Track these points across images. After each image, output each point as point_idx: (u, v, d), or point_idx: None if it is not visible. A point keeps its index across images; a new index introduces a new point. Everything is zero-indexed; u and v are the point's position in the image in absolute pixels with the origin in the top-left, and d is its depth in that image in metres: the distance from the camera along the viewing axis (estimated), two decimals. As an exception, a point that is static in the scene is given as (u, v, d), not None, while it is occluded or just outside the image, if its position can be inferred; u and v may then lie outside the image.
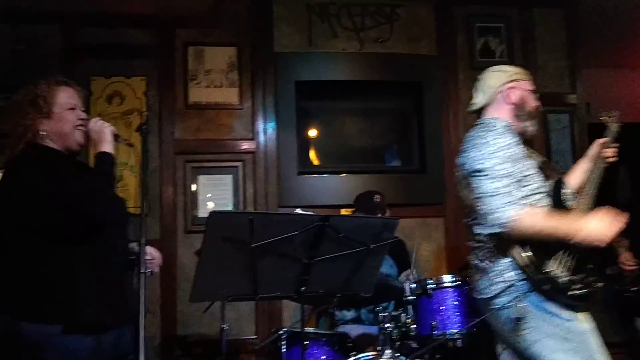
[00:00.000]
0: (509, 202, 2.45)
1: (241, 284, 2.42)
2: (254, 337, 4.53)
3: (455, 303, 3.09)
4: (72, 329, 2.26)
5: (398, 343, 3.14)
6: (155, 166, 4.61)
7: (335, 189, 4.75)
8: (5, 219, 2.35)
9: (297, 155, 4.78)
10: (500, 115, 2.71)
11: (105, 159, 2.43)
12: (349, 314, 3.96)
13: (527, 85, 2.79)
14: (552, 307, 2.47)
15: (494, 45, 5.14)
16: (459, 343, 3.13)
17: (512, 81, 2.75)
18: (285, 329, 3.24)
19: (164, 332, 4.48)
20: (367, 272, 2.61)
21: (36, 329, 2.23)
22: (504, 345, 2.70)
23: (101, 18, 4.68)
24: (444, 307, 3.08)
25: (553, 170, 2.79)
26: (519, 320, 2.45)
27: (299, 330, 2.87)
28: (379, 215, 4.02)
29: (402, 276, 3.79)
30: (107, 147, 2.45)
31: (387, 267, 3.89)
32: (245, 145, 4.75)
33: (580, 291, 2.46)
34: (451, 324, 3.06)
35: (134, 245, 2.45)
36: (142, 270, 2.21)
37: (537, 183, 2.60)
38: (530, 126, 2.75)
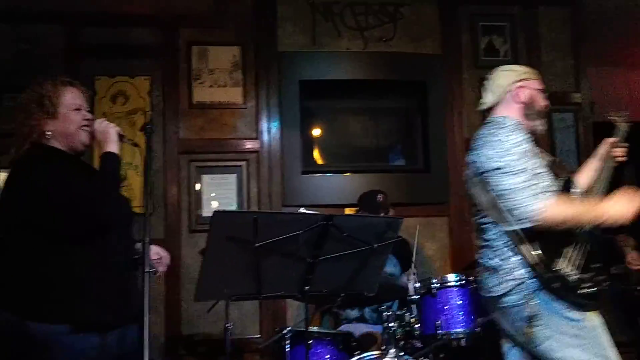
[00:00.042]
0: (533, 194, 2.46)
1: (245, 283, 2.43)
2: (258, 336, 4.53)
3: (459, 302, 3.09)
4: (78, 328, 2.26)
5: (402, 342, 3.14)
6: (160, 166, 4.62)
7: (339, 188, 4.75)
8: (10, 218, 2.36)
9: (301, 155, 4.78)
10: (509, 114, 2.72)
11: (111, 159, 2.44)
12: (353, 313, 3.96)
13: (536, 84, 2.80)
14: (561, 307, 2.47)
15: (498, 44, 5.13)
16: (463, 342, 3.13)
17: (521, 80, 2.77)
18: (289, 328, 3.24)
19: (168, 331, 4.48)
20: (370, 272, 2.61)
21: (43, 328, 2.24)
22: (511, 344, 2.70)
23: (104, 18, 4.68)
24: (448, 307, 3.09)
25: (562, 169, 2.79)
26: (531, 317, 2.45)
27: (303, 329, 2.87)
28: (382, 214, 4.02)
29: (404, 277, 3.79)
30: (113, 147, 2.46)
31: (391, 266, 3.89)
32: (249, 145, 4.75)
33: (590, 290, 2.47)
34: (455, 323, 3.06)
35: (140, 246, 2.45)
36: (146, 270, 2.22)
37: (547, 181, 2.60)
38: (539, 125, 2.77)
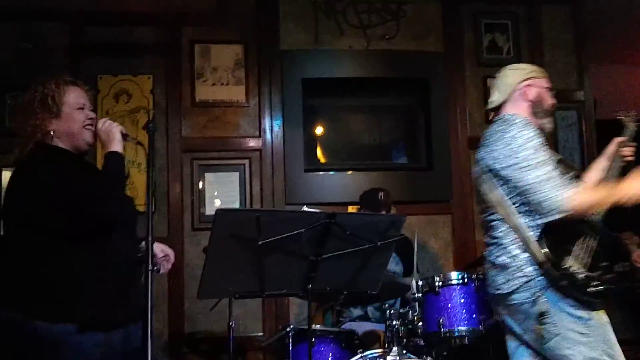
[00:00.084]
0: (559, 184, 2.48)
1: (248, 281, 2.43)
2: (261, 334, 4.54)
3: (462, 300, 3.08)
4: (84, 327, 2.27)
5: (405, 340, 3.14)
6: (162, 164, 4.62)
7: (341, 186, 4.75)
8: (15, 218, 2.36)
9: (304, 153, 4.78)
10: (518, 112, 2.73)
11: (115, 158, 2.44)
12: (356, 312, 3.96)
13: (544, 82, 2.82)
14: (569, 305, 2.48)
15: (501, 42, 5.12)
16: (466, 340, 3.13)
17: (528, 79, 2.78)
18: (292, 326, 3.24)
19: (171, 329, 4.49)
20: (373, 270, 2.61)
21: (51, 328, 2.24)
22: (517, 342, 2.70)
23: (107, 16, 4.69)
24: (451, 305, 3.08)
25: (570, 167, 2.80)
26: (540, 315, 2.46)
27: (305, 327, 2.87)
28: (384, 212, 4.02)
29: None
30: (117, 146, 2.46)
31: (393, 264, 3.89)
32: (252, 143, 4.75)
33: (598, 288, 2.47)
34: (458, 321, 3.05)
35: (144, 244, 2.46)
36: (149, 268, 2.22)
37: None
38: (547, 123, 2.78)
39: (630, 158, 2.91)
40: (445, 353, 3.28)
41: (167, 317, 4.48)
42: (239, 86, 4.79)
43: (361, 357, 3.07)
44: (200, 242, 4.43)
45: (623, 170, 2.87)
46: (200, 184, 4.67)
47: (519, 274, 2.54)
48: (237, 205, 4.64)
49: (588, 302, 2.48)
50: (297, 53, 4.84)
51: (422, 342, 3.17)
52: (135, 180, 4.44)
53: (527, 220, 2.56)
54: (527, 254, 2.53)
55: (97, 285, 2.31)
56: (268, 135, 4.75)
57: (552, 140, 4.94)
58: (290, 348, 3.19)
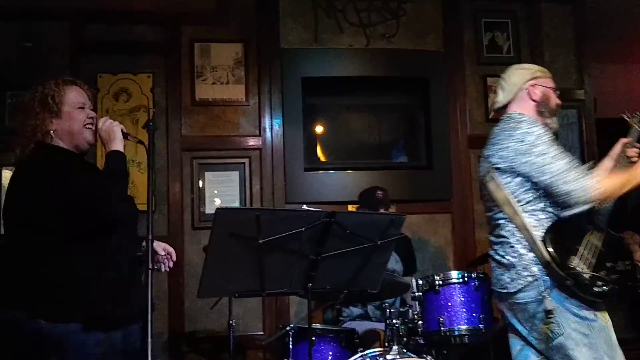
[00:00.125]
0: (582, 174, 2.52)
1: (248, 280, 2.43)
2: (261, 333, 4.54)
3: (462, 299, 3.08)
4: (88, 326, 2.27)
5: (405, 339, 3.14)
6: (162, 163, 4.62)
7: (341, 185, 4.75)
8: (16, 218, 2.36)
9: (304, 152, 4.78)
10: (524, 112, 2.75)
11: (116, 157, 2.44)
12: (357, 310, 3.96)
13: (549, 82, 2.83)
14: (573, 305, 2.48)
15: (501, 41, 5.12)
16: (466, 339, 3.13)
17: (534, 78, 2.80)
18: (292, 325, 3.24)
19: (171, 328, 4.49)
20: (373, 269, 2.61)
21: (54, 327, 2.24)
22: (519, 339, 2.70)
23: (108, 15, 4.69)
24: (451, 303, 3.08)
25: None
26: (548, 314, 2.46)
27: (306, 326, 2.87)
28: (382, 210, 4.03)
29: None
30: (118, 145, 2.46)
31: (393, 262, 3.89)
32: (252, 142, 4.75)
33: (603, 288, 2.47)
34: (458, 320, 3.05)
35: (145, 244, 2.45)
36: (150, 267, 2.22)
37: None
38: (552, 123, 2.80)
39: (635, 159, 2.90)
40: (445, 352, 3.28)
41: (167, 316, 4.48)
42: (239, 85, 4.79)
43: (361, 355, 3.06)
44: (201, 241, 4.44)
45: None
46: (200, 182, 4.67)
47: (525, 273, 2.54)
48: (237, 204, 4.64)
49: (592, 302, 2.49)
50: (297, 52, 4.84)
51: (422, 341, 3.17)
52: (135, 179, 4.44)
53: (532, 219, 2.56)
54: (533, 254, 2.54)
55: (98, 285, 2.31)
56: (268, 134, 4.75)
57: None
58: (291, 347, 3.19)
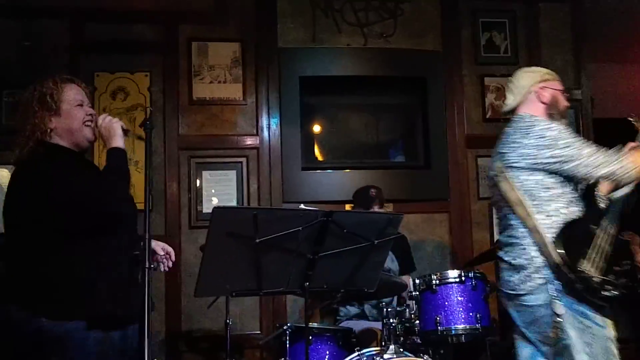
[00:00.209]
0: (614, 155, 2.58)
1: (245, 279, 2.43)
2: (258, 332, 4.54)
3: (459, 298, 3.08)
4: (91, 325, 2.27)
5: (402, 338, 3.14)
6: (160, 162, 4.61)
7: (339, 184, 4.75)
8: (17, 217, 2.36)
9: (301, 151, 4.78)
10: (534, 113, 2.77)
11: (117, 154, 2.44)
12: (353, 310, 3.97)
13: (557, 85, 2.87)
14: (581, 311, 2.49)
15: (499, 41, 5.12)
16: (462, 339, 3.14)
17: (543, 81, 2.83)
18: (289, 324, 3.24)
19: (168, 327, 4.49)
20: (370, 268, 2.61)
21: (57, 325, 2.24)
22: (525, 341, 2.70)
23: (106, 14, 4.68)
24: (448, 303, 3.08)
25: None
26: (555, 317, 2.46)
27: (303, 325, 2.87)
28: (376, 208, 4.03)
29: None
30: (119, 142, 2.45)
31: (388, 261, 3.89)
32: (249, 141, 4.75)
33: (612, 293, 2.48)
34: (455, 319, 3.06)
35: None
36: (146, 266, 2.22)
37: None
38: (562, 124, 2.80)
39: None
40: (442, 351, 3.29)
41: (164, 316, 4.47)
42: (237, 84, 4.79)
43: (358, 355, 3.07)
44: (198, 240, 4.42)
45: None
46: (198, 181, 4.66)
47: (536, 275, 2.55)
48: (234, 203, 4.63)
49: (600, 307, 2.49)
50: (294, 51, 4.84)
51: (419, 340, 3.17)
52: (133, 178, 4.39)
53: (545, 220, 2.57)
54: (544, 257, 2.54)
55: (98, 285, 2.31)
56: (265, 134, 4.75)
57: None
58: (288, 346, 3.19)
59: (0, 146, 4.09)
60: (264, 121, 4.76)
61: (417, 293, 3.17)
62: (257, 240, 2.29)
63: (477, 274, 3.15)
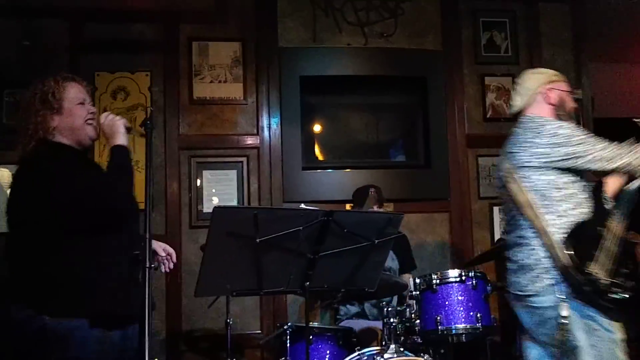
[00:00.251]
0: (628, 147, 2.62)
1: (246, 279, 2.43)
2: (259, 332, 4.54)
3: (460, 298, 3.08)
4: (93, 324, 2.28)
5: (403, 338, 3.14)
6: (160, 161, 4.61)
7: (339, 184, 4.75)
8: (21, 215, 2.36)
9: (302, 151, 4.78)
10: (543, 114, 2.77)
11: (120, 152, 2.44)
12: (354, 309, 3.97)
13: (564, 86, 2.88)
14: (589, 314, 2.49)
15: (499, 40, 5.12)
16: (463, 338, 3.14)
17: (550, 82, 2.84)
18: (290, 324, 3.24)
19: (168, 327, 4.49)
20: (371, 267, 2.62)
21: (60, 323, 2.25)
22: (532, 342, 2.70)
23: (106, 13, 4.68)
24: (448, 302, 3.08)
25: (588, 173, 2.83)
26: (562, 319, 2.46)
27: (303, 325, 2.88)
28: (375, 208, 4.03)
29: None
30: (121, 139, 2.46)
31: (389, 260, 3.89)
32: (250, 141, 4.75)
33: (621, 295, 2.48)
34: (456, 318, 3.06)
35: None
36: (147, 265, 2.22)
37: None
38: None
39: None
40: (442, 351, 3.29)
41: (164, 315, 4.48)
42: (237, 84, 4.79)
43: (359, 354, 3.07)
44: (198, 239, 4.42)
45: None
46: (198, 181, 4.66)
47: (546, 275, 2.54)
48: (234, 203, 4.64)
49: (608, 309, 2.49)
50: (295, 50, 4.84)
51: (419, 340, 3.17)
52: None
53: (554, 222, 2.56)
54: (552, 258, 2.54)
55: (100, 284, 2.31)
56: (266, 133, 4.75)
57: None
58: (288, 345, 3.19)
59: (2, 146, 4.14)
60: (264, 121, 4.76)
61: (418, 293, 3.17)
62: (258, 240, 2.29)
63: (478, 274, 3.15)
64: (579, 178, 2.67)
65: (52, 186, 2.28)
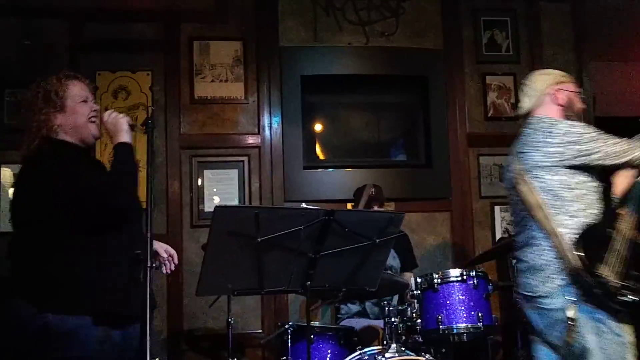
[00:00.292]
0: (639, 141, 2.63)
1: (247, 278, 2.43)
2: (260, 331, 4.54)
3: (461, 297, 3.09)
4: (94, 323, 2.28)
5: (404, 337, 3.14)
6: (161, 161, 4.61)
7: (340, 183, 4.75)
8: (24, 213, 2.36)
9: (303, 150, 4.78)
10: (551, 115, 2.77)
11: (124, 149, 2.45)
12: (355, 308, 3.97)
13: (572, 87, 2.87)
14: (599, 317, 2.48)
15: (500, 39, 5.12)
16: (464, 337, 3.14)
17: (558, 83, 2.83)
18: (291, 323, 3.24)
19: (170, 326, 4.49)
20: (372, 267, 2.62)
21: (62, 321, 2.25)
22: (542, 343, 2.70)
23: (107, 13, 4.68)
24: (449, 302, 3.09)
25: None
26: (571, 322, 2.46)
27: (304, 324, 2.88)
28: (375, 207, 4.03)
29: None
30: (125, 137, 2.46)
31: (390, 258, 3.88)
32: (251, 140, 4.75)
33: (631, 298, 2.46)
34: (457, 318, 3.06)
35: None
36: (148, 265, 2.22)
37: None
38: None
39: None
40: (443, 350, 3.29)
41: (166, 314, 4.48)
42: (238, 83, 4.79)
43: (360, 354, 3.07)
44: (199, 239, 4.43)
45: None
46: (199, 180, 4.67)
47: (556, 276, 2.54)
48: (235, 202, 4.64)
49: (617, 312, 2.48)
50: (296, 50, 4.83)
51: (420, 339, 3.17)
52: (134, 177, 4.43)
53: (564, 222, 2.55)
54: (562, 260, 2.53)
55: (102, 283, 2.32)
56: (267, 132, 4.75)
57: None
58: (289, 345, 3.19)
59: (3, 145, 4.14)
60: (265, 120, 4.76)
61: (419, 292, 3.17)
62: (259, 239, 2.29)
63: (479, 273, 3.15)
64: (590, 179, 2.65)
65: (56, 184, 2.29)
